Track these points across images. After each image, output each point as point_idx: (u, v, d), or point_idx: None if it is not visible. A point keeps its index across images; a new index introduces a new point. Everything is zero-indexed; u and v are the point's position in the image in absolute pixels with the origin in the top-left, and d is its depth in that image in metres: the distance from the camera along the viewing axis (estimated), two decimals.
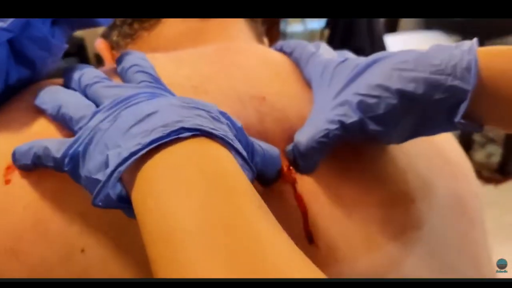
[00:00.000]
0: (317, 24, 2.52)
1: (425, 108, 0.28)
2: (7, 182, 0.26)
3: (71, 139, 0.24)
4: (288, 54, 0.37)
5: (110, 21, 0.31)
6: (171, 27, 0.40)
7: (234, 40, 0.39)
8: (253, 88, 0.32)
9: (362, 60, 0.31)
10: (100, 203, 0.22)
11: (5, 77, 0.29)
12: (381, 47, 2.02)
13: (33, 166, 0.25)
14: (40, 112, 0.28)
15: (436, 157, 0.36)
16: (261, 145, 0.28)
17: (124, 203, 0.22)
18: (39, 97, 0.28)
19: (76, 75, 0.29)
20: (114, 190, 0.22)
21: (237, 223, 0.18)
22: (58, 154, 0.24)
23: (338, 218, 0.30)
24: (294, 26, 2.49)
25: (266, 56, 0.36)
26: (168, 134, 0.20)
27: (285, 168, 0.30)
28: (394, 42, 2.11)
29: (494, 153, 2.12)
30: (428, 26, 2.52)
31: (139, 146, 0.20)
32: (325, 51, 0.35)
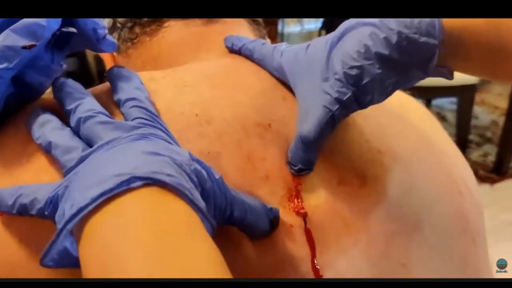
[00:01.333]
0: (314, 25, 2.52)
1: (401, 66, 0.28)
2: (0, 214, 0.26)
3: (53, 185, 0.24)
4: (250, 57, 0.36)
5: (114, 48, 0.31)
6: (173, 33, 0.39)
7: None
8: (258, 114, 0.31)
9: (329, 36, 0.31)
10: (50, 263, 0.22)
11: (5, 101, 0.29)
12: None
13: (18, 215, 0.25)
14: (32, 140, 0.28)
15: (441, 176, 0.36)
16: (244, 199, 0.26)
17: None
18: (32, 129, 0.28)
19: (71, 105, 0.28)
20: (74, 245, 0.21)
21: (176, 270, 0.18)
22: (41, 203, 0.23)
23: (345, 248, 0.29)
24: (291, 27, 2.50)
25: (271, 78, 0.35)
26: (119, 185, 0.20)
27: (291, 203, 0.29)
28: None
29: (490, 153, 2.14)
30: None
31: (88, 201, 0.20)
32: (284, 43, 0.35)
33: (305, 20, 2.51)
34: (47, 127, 0.27)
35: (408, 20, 0.28)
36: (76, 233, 0.21)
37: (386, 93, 0.30)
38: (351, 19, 0.30)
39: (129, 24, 0.41)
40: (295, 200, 0.30)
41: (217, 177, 0.25)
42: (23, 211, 0.24)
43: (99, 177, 0.20)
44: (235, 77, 0.34)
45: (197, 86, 0.32)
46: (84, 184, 0.21)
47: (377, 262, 0.30)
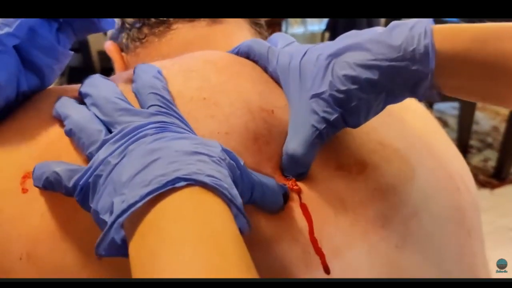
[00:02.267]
0: (317, 26, 2.53)
1: (390, 90, 0.29)
2: (24, 191, 0.27)
3: (82, 168, 0.25)
4: (247, 57, 0.36)
5: (113, 25, 0.32)
6: (180, 34, 0.41)
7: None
8: (262, 100, 0.33)
9: (324, 49, 0.31)
10: (103, 252, 0.23)
11: (17, 84, 0.30)
12: None
13: (45, 189, 0.26)
14: (55, 120, 0.29)
15: (440, 172, 0.36)
16: (261, 179, 0.28)
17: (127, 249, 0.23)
18: (55, 110, 0.29)
19: (93, 91, 0.29)
20: (119, 235, 0.23)
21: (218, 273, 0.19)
22: (69, 183, 0.25)
23: (342, 225, 0.30)
24: (295, 28, 2.50)
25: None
26: (164, 185, 0.21)
27: (288, 181, 0.31)
28: None
29: (490, 158, 2.14)
30: None
31: (137, 198, 0.21)
32: (281, 39, 0.36)
33: (309, 21, 2.51)
34: (70, 109, 0.28)
35: (402, 47, 0.28)
36: (127, 229, 0.22)
37: (374, 112, 0.31)
38: (347, 36, 0.31)
39: (137, 25, 0.42)
40: (291, 181, 0.31)
41: (242, 162, 0.26)
42: (49, 186, 0.26)
43: (146, 177, 0.22)
44: (237, 66, 0.35)
45: (203, 71, 0.33)
46: (131, 178, 0.23)
47: (373, 241, 0.31)
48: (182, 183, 0.22)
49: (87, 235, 0.26)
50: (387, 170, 0.33)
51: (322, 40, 2.27)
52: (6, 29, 0.26)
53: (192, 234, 0.21)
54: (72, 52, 0.32)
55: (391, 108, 0.32)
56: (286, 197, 0.29)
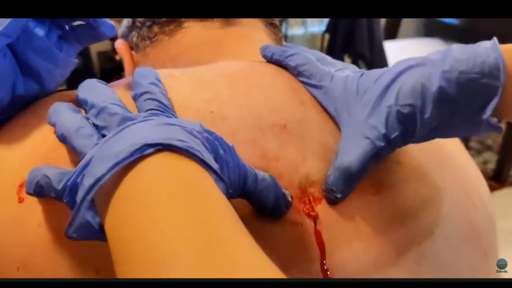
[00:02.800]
0: (317, 28, 2.53)
1: (457, 106, 0.28)
2: (21, 200, 0.26)
3: (72, 171, 0.24)
4: (291, 68, 0.35)
5: (113, 31, 0.31)
6: (192, 34, 0.40)
7: (254, 48, 0.38)
8: (274, 115, 0.32)
9: (383, 71, 0.31)
10: (74, 235, 0.22)
11: (12, 87, 0.29)
12: (381, 53, 2.03)
13: (36, 195, 0.25)
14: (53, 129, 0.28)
15: (457, 188, 0.35)
16: (255, 171, 0.27)
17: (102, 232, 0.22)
18: (49, 117, 0.28)
19: (89, 96, 0.28)
20: (95, 219, 0.22)
21: (205, 230, 0.18)
22: (59, 186, 0.24)
23: (355, 253, 0.29)
24: (295, 29, 2.50)
25: (291, 83, 0.35)
26: (132, 154, 0.21)
27: (302, 204, 0.29)
28: (394, 48, 2.13)
29: (490, 160, 2.14)
30: (427, 33, 2.54)
31: (104, 171, 0.21)
32: (332, 64, 0.34)
33: (309, 23, 2.51)
34: (63, 115, 0.27)
35: (470, 60, 0.27)
36: (99, 206, 0.22)
37: (430, 136, 0.30)
38: (409, 59, 0.30)
39: (148, 23, 0.42)
40: (307, 201, 0.30)
41: (230, 145, 0.25)
42: (40, 191, 0.25)
43: (114, 151, 0.21)
44: (254, 77, 0.34)
45: (215, 84, 0.32)
46: (102, 157, 0.22)
47: (387, 271, 0.30)
48: (151, 150, 0.21)
49: (83, 246, 0.25)
50: (404, 191, 0.32)
51: (322, 41, 2.27)
52: None
53: (168, 197, 0.19)
54: (76, 60, 0.32)
55: None
56: (288, 204, 0.28)
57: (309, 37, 2.57)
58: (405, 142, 0.30)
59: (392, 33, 2.45)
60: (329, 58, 0.36)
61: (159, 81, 0.30)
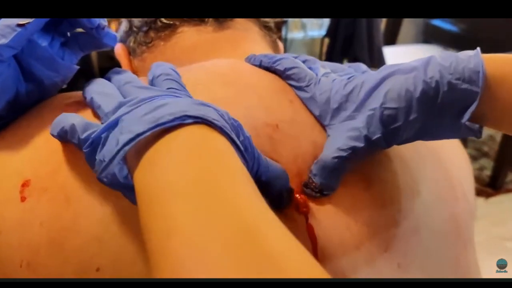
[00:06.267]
0: (317, 32, 2.53)
1: (437, 111, 0.29)
2: (23, 199, 0.27)
3: (98, 125, 0.26)
4: (280, 72, 0.35)
5: (115, 41, 0.32)
6: (186, 38, 0.41)
7: (248, 50, 0.39)
8: (267, 115, 0.32)
9: (368, 76, 0.31)
10: (105, 179, 0.24)
11: (15, 94, 0.30)
12: (380, 58, 2.04)
13: (59, 138, 0.27)
14: None
15: (443, 181, 0.36)
16: (267, 160, 0.28)
17: (128, 187, 0.24)
18: (85, 92, 0.30)
19: (114, 75, 0.31)
20: (121, 173, 0.24)
21: (224, 193, 0.20)
22: (82, 135, 0.25)
23: (347, 248, 0.30)
24: (294, 33, 2.51)
25: (280, 84, 0.35)
26: (172, 120, 0.22)
27: (298, 197, 0.30)
28: (393, 54, 2.14)
29: (486, 167, 2.15)
30: (426, 40, 2.55)
31: (145, 129, 0.22)
32: (321, 66, 0.35)
33: (308, 26, 2.52)
34: (94, 81, 0.30)
35: (452, 65, 0.28)
36: (132, 162, 0.23)
37: (414, 139, 0.31)
38: (393, 65, 0.31)
39: (144, 28, 0.43)
40: (299, 197, 0.30)
41: (248, 135, 0.26)
42: (63, 135, 0.27)
43: (154, 115, 0.23)
44: (245, 77, 0.35)
45: (210, 84, 0.33)
46: (139, 118, 0.23)
47: (377, 265, 0.31)
48: (190, 120, 0.23)
49: (86, 245, 0.26)
50: (392, 185, 0.33)
51: (322, 45, 2.27)
52: (2, 41, 0.27)
53: (199, 161, 0.21)
54: (78, 67, 0.33)
55: None
56: (291, 196, 0.29)
57: (309, 41, 2.57)
58: (389, 144, 0.31)
59: (391, 39, 2.46)
60: (320, 62, 0.37)
61: (175, 71, 0.31)
